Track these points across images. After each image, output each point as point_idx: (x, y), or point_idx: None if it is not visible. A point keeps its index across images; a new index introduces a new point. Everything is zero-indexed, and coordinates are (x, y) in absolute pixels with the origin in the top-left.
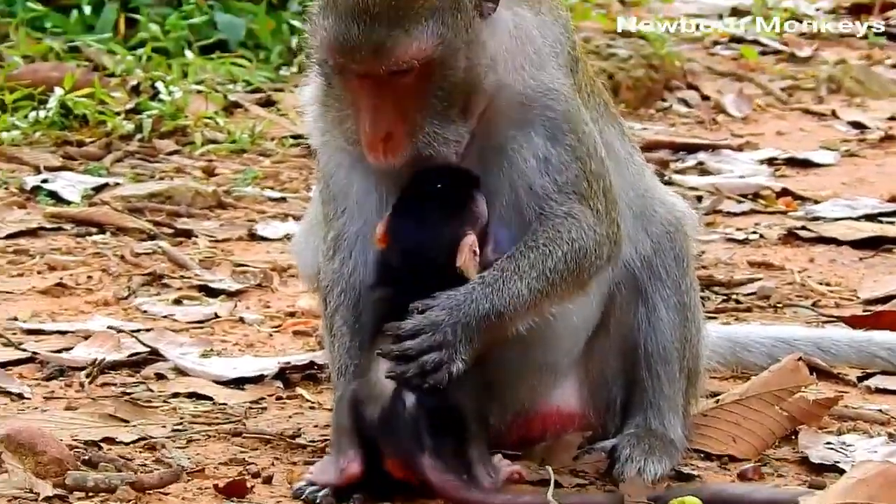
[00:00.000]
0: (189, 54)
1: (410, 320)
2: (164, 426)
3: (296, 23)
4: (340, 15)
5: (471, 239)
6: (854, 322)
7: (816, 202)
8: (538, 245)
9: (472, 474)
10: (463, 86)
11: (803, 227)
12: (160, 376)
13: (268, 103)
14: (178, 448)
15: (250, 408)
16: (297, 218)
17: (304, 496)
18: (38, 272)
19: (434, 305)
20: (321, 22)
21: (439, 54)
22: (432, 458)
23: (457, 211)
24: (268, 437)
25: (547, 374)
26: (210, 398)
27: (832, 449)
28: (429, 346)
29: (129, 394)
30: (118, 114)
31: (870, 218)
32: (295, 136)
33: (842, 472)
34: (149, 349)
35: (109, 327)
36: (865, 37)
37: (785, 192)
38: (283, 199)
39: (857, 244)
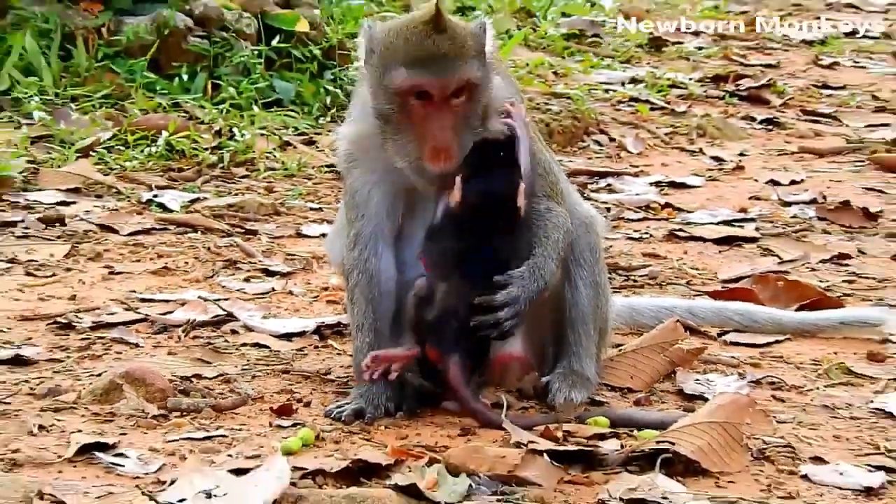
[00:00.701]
0: (255, 108)
1: (499, 296)
2: (235, 366)
3: (329, 87)
4: (417, 60)
5: (523, 185)
6: (715, 295)
7: (689, 212)
8: (549, 235)
9: (470, 384)
10: (483, 111)
11: (680, 229)
12: (234, 331)
13: (310, 143)
14: (246, 381)
15: (296, 353)
16: (329, 222)
17: (332, 415)
18: (150, 259)
19: (512, 283)
20: (395, 72)
21: (478, 81)
22: (457, 359)
23: (511, 168)
24: (308, 374)
25: None
26: (268, 347)
27: (699, 384)
28: (511, 316)
29: (211, 344)
30: (206, 149)
31: (726, 223)
32: (328, 166)
33: (706, 400)
34: (226, 313)
35: (199, 297)
36: (723, 98)
37: (667, 205)
38: (320, 209)
39: (717, 241)
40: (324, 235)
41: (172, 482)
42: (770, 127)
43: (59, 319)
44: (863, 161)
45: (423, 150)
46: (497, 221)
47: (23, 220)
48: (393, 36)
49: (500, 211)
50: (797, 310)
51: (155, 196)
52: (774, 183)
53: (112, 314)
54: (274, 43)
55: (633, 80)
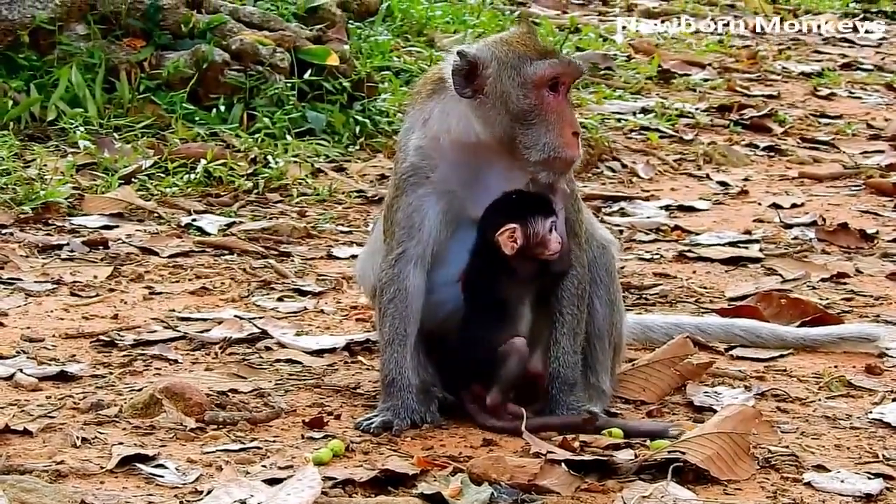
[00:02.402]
0: (289, 137)
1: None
2: (269, 381)
3: (358, 117)
4: (551, 53)
5: (511, 226)
6: (722, 312)
7: (697, 234)
8: (566, 312)
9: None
10: None
11: (689, 250)
12: (268, 348)
13: (340, 169)
14: (279, 396)
15: (327, 369)
16: (359, 244)
17: (361, 427)
18: (189, 280)
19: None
20: (537, 63)
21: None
22: (468, 391)
23: (513, 211)
24: (338, 388)
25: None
26: (300, 362)
27: (708, 396)
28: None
29: (247, 360)
30: (242, 176)
31: (732, 244)
32: (358, 191)
33: (714, 411)
34: (261, 330)
35: (235, 316)
36: (728, 126)
37: (677, 228)
38: (350, 232)
39: (724, 261)
40: (353, 257)
41: (209, 492)
42: (772, 154)
43: (102, 337)
44: (859, 186)
45: (560, 137)
46: (487, 244)
47: (68, 244)
48: (507, 45)
49: (484, 234)
50: (799, 326)
51: (193, 220)
52: (776, 206)
53: (152, 332)
54: (306, 76)
55: (644, 110)
